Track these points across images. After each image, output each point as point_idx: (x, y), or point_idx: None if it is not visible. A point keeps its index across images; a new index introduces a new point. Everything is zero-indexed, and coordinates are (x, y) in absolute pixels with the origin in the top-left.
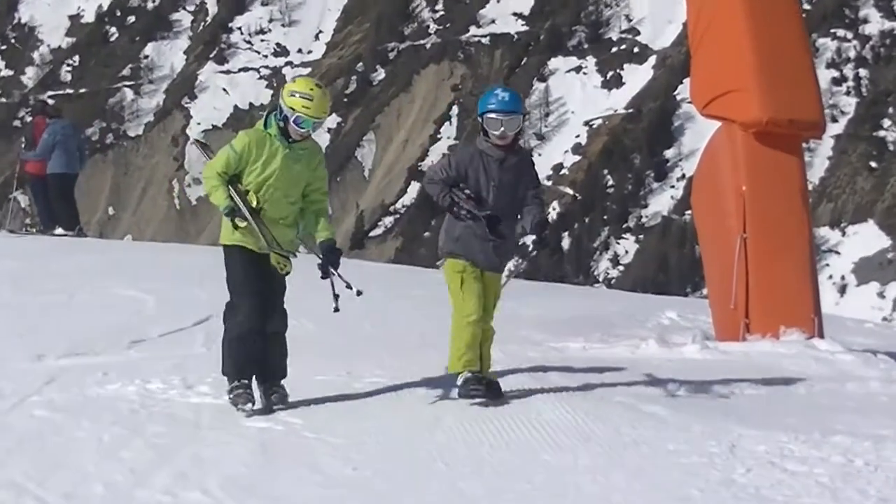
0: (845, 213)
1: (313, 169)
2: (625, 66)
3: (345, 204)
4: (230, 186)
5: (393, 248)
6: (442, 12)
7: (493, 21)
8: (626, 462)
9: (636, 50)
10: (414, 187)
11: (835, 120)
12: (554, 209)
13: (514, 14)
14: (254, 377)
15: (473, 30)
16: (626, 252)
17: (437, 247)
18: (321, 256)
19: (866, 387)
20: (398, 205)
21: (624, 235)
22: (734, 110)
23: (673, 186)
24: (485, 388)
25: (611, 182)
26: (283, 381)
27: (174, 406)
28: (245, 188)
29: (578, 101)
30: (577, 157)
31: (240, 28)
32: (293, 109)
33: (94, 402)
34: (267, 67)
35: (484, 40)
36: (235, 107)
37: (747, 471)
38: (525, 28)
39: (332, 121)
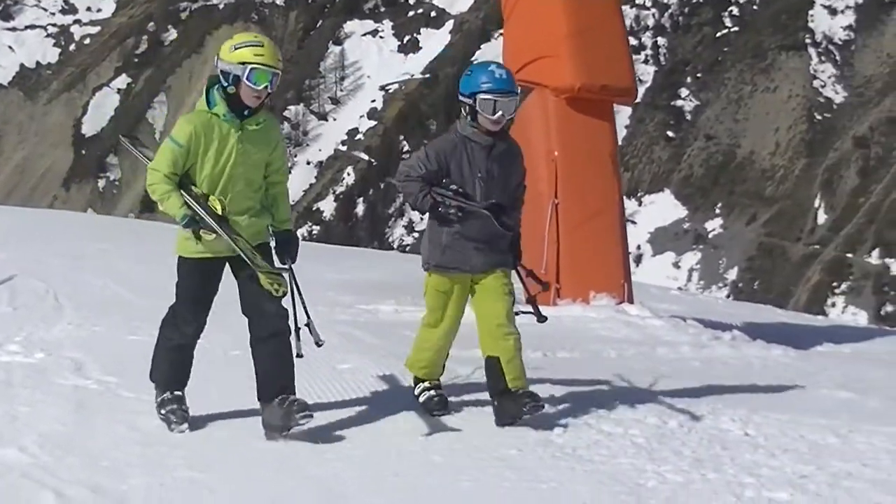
0: (642, 182)
1: (273, 147)
2: (422, 30)
3: (135, 166)
4: (184, 192)
5: None
6: None
7: None
8: (447, 422)
9: (433, 14)
10: None
11: None
12: (349, 174)
13: None
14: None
15: None
16: (421, 219)
17: (423, 257)
18: (276, 250)
19: (677, 351)
20: None
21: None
22: (546, 76)
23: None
24: (440, 398)
25: (406, 148)
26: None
27: None
28: (200, 190)
29: (374, 66)
30: (373, 123)
31: None
32: (244, 63)
33: None
34: (54, 25)
35: (278, 1)
36: (22, 65)
37: (564, 431)
38: None
39: (123, 81)
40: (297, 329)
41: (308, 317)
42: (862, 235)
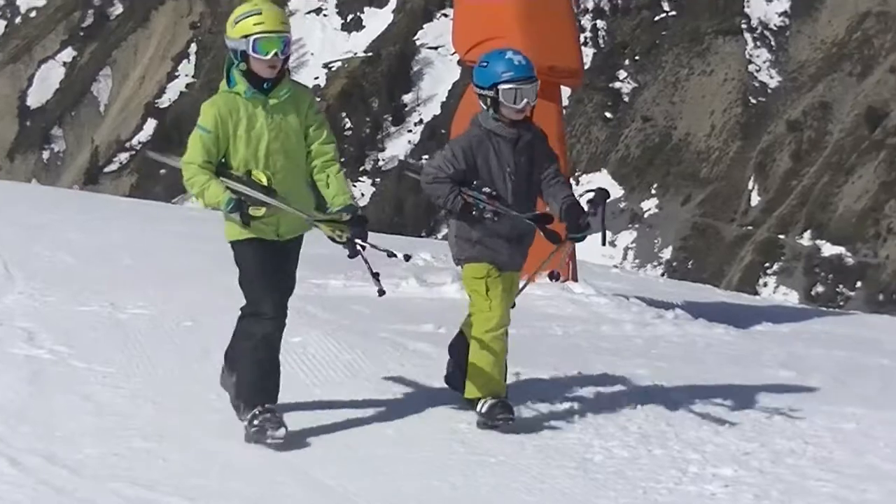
0: (579, 162)
1: (304, 114)
2: (365, 9)
3: (80, 139)
4: (223, 178)
5: (128, 184)
6: None
7: None
8: (396, 396)
9: None
10: (150, 124)
11: None
12: None
13: None
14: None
15: None
16: (363, 195)
17: (452, 253)
18: (348, 230)
19: (621, 329)
20: (134, 141)
21: (361, 178)
22: None
23: (410, 131)
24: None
25: (349, 125)
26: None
27: None
28: (238, 169)
29: (318, 43)
30: (317, 99)
31: None
32: (246, 36)
33: None
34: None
35: None
36: None
37: (513, 405)
38: None
39: (69, 54)
40: (374, 274)
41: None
42: (794, 217)
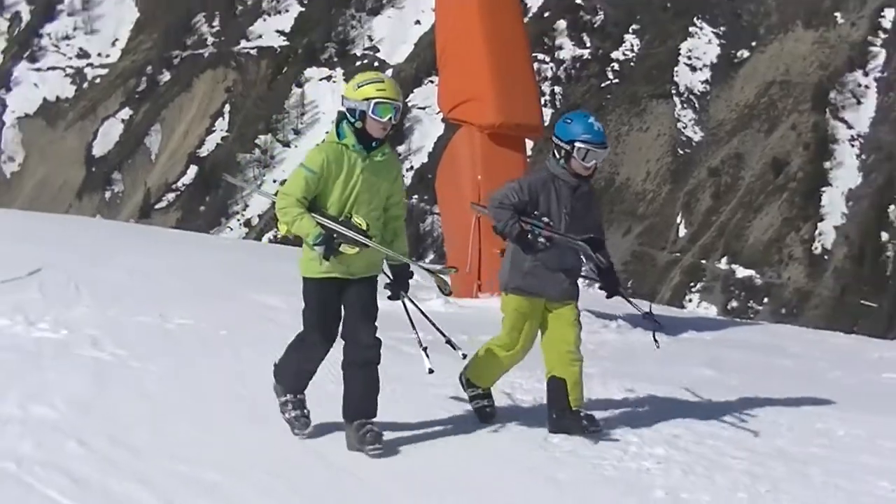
0: None
1: (394, 179)
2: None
3: (135, 182)
4: (316, 216)
5: (174, 218)
6: (217, 27)
7: (259, 36)
8: (395, 390)
9: (376, 64)
10: (192, 169)
11: None
12: None
13: (277, 31)
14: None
15: (244, 43)
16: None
17: (502, 280)
18: (390, 278)
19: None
20: (178, 184)
21: None
22: (473, 115)
23: (403, 175)
24: (490, 404)
25: None
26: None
27: (19, 339)
28: (329, 210)
29: (329, 104)
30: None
31: (49, 34)
32: (368, 99)
33: None
34: (71, 67)
35: (252, 52)
36: (44, 99)
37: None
38: (286, 43)
39: (126, 113)
40: (425, 348)
41: (442, 333)
42: (713, 246)
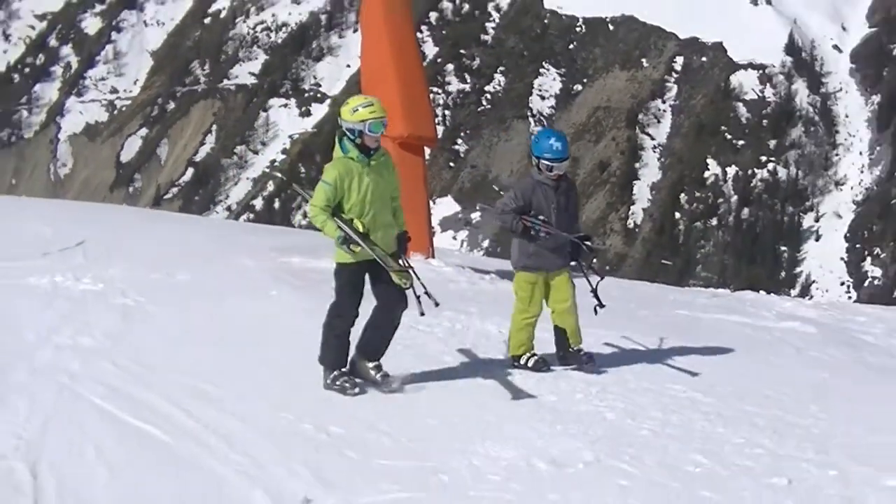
0: (435, 190)
1: (391, 172)
2: (313, 104)
3: (150, 180)
4: (336, 218)
5: (177, 206)
6: (208, 70)
7: (237, 76)
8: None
9: (319, 94)
10: (190, 171)
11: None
12: (269, 185)
13: (250, 72)
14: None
15: (226, 81)
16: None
17: (513, 262)
18: (405, 278)
19: (459, 286)
20: (180, 181)
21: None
22: (389, 129)
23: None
24: (541, 357)
25: (303, 171)
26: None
27: (70, 291)
28: (349, 216)
29: (285, 124)
30: (284, 156)
31: (90, 76)
32: (363, 121)
33: (23, 288)
34: (106, 99)
35: (232, 87)
36: (86, 122)
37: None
38: (256, 81)
39: (143, 132)
40: (418, 297)
41: (424, 288)
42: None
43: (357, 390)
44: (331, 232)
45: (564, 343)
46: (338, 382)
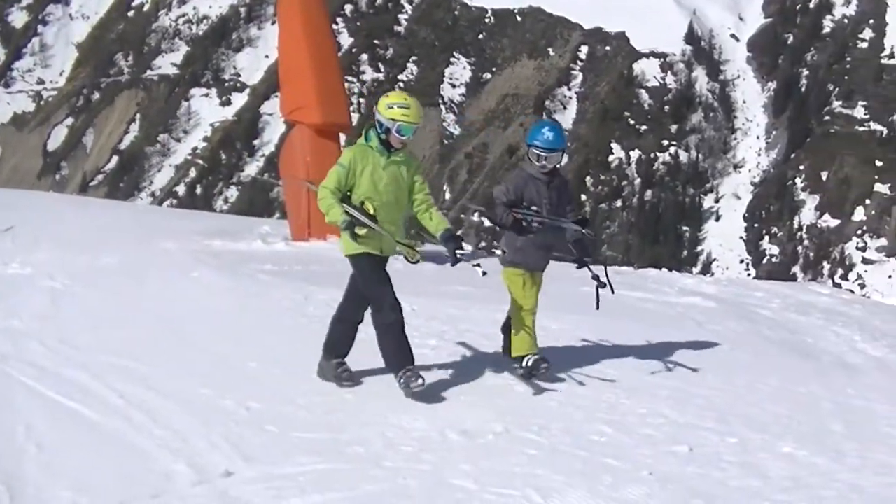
0: None
1: (412, 173)
2: (233, 93)
3: (76, 168)
4: (343, 203)
5: (103, 192)
6: (131, 62)
7: (160, 67)
8: (261, 307)
9: (239, 84)
10: (114, 159)
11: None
12: (192, 172)
13: (172, 63)
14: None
15: (149, 72)
16: (228, 200)
17: (500, 255)
18: (446, 246)
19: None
20: (105, 169)
21: (229, 188)
22: (304, 117)
23: (258, 161)
24: (541, 358)
25: (224, 157)
26: None
27: None
28: (359, 199)
29: (206, 113)
30: (205, 144)
31: (17, 68)
32: (394, 120)
33: None
34: (33, 90)
35: (155, 78)
36: (14, 112)
37: (315, 310)
38: (178, 72)
39: (69, 121)
40: (477, 265)
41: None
42: (468, 206)
43: (421, 381)
44: (335, 216)
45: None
46: (402, 380)
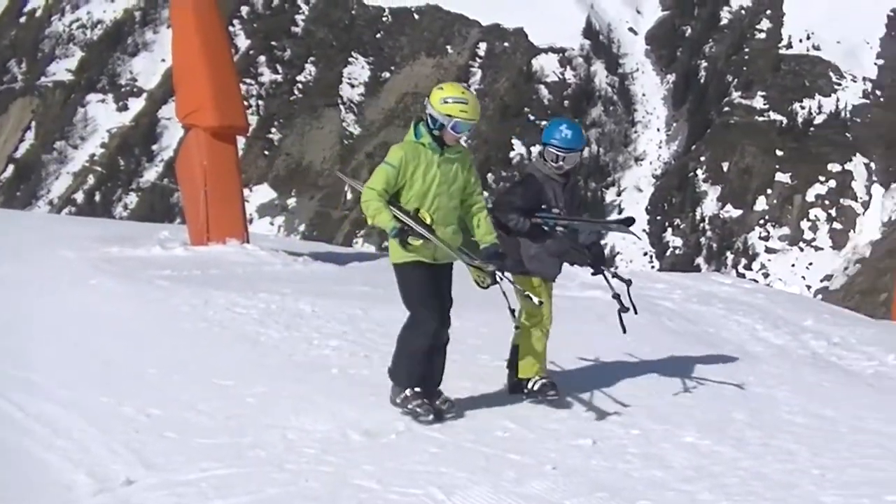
0: (251, 178)
1: (467, 170)
2: (130, 98)
3: None
4: (392, 207)
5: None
6: (25, 68)
7: (55, 73)
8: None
9: (136, 89)
10: (10, 168)
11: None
12: (90, 178)
13: (67, 69)
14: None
15: (44, 78)
16: (128, 206)
17: (512, 262)
18: (488, 262)
19: (274, 268)
20: (1, 178)
21: (128, 194)
22: (200, 120)
23: (157, 166)
24: (550, 382)
25: (122, 164)
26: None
27: None
28: (411, 204)
29: (103, 119)
30: (102, 150)
31: None
32: (450, 116)
33: None
34: None
35: (50, 84)
36: None
37: (215, 314)
38: (73, 77)
39: None
40: (512, 310)
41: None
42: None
43: (431, 417)
44: (385, 221)
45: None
46: (409, 406)
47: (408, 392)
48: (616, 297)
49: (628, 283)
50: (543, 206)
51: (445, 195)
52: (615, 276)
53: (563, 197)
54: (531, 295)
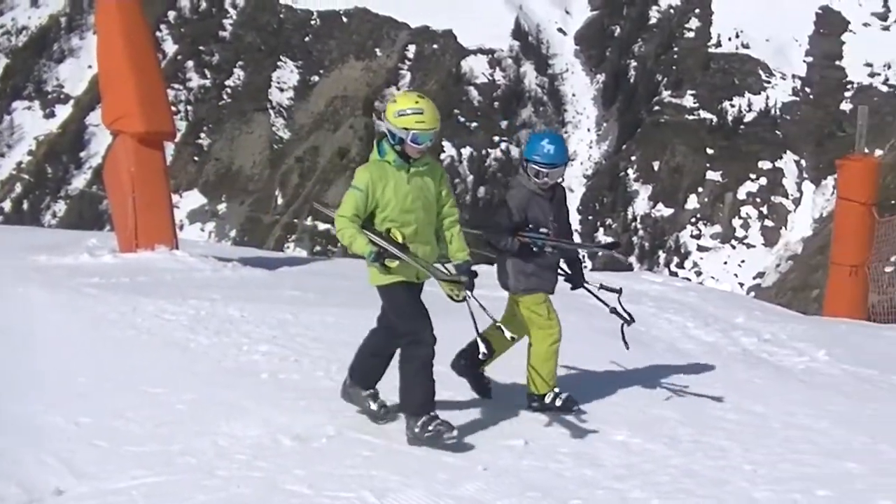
0: (181, 184)
1: (438, 181)
2: (57, 105)
3: None
4: (366, 231)
5: None
6: None
7: None
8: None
9: (63, 96)
10: None
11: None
12: (17, 188)
13: None
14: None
15: None
16: (56, 215)
17: (508, 285)
18: (461, 278)
19: (204, 274)
20: None
21: (57, 201)
22: (126, 126)
23: (85, 173)
24: (569, 397)
25: (49, 171)
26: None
27: None
28: (384, 224)
29: (30, 126)
30: (30, 157)
31: None
32: (406, 129)
33: None
34: None
35: None
36: None
37: (143, 321)
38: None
39: None
40: (478, 336)
41: (480, 304)
42: (302, 210)
43: (455, 433)
44: (361, 248)
45: (480, 363)
46: (430, 428)
47: (425, 418)
48: (614, 311)
49: (619, 292)
50: (530, 226)
51: (422, 210)
52: (602, 287)
53: (552, 211)
54: (503, 328)
